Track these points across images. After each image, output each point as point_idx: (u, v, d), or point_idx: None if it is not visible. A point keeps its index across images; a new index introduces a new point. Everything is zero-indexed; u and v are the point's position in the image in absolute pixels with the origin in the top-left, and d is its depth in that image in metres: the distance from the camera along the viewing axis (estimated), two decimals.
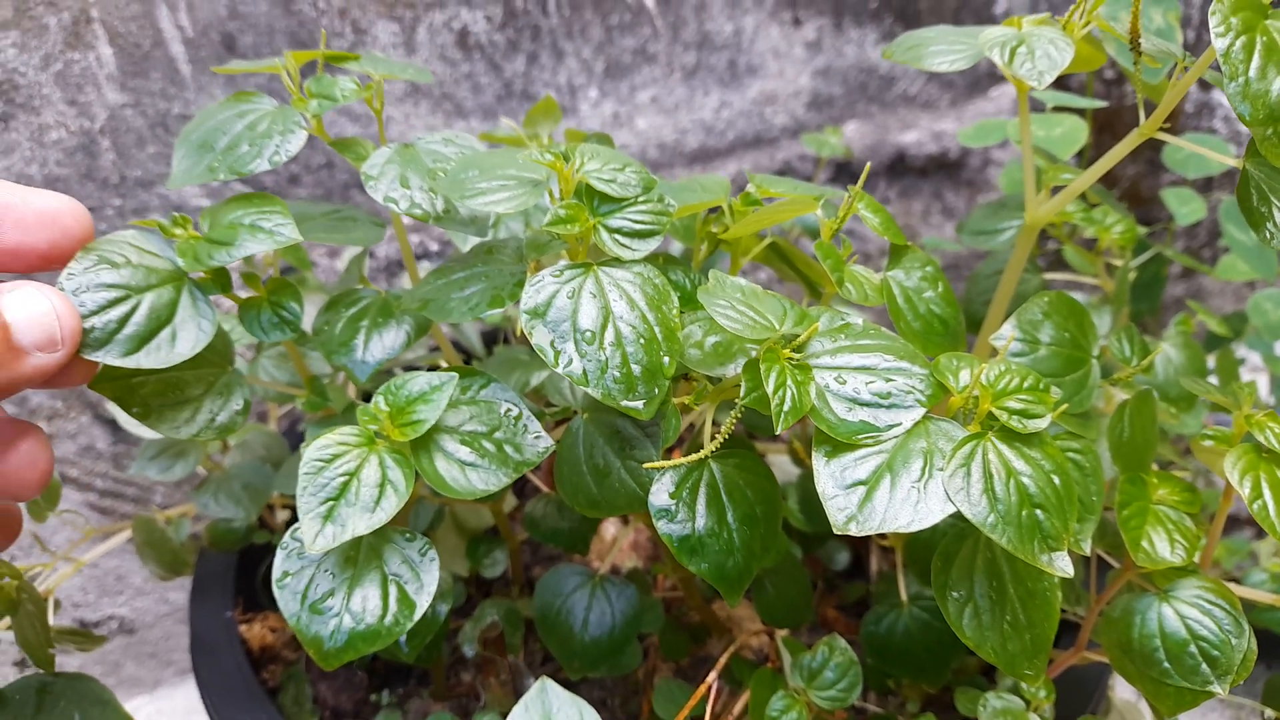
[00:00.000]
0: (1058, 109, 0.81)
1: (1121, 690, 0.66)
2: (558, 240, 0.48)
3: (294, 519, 0.77)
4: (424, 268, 0.98)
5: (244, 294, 0.53)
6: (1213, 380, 0.85)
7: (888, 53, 0.53)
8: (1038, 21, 0.49)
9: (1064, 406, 0.43)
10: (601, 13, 0.95)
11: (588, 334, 0.43)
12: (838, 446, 0.41)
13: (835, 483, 0.41)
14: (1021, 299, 0.56)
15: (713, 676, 0.56)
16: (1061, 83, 1.01)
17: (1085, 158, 0.86)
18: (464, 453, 0.46)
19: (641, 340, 0.43)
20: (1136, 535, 0.48)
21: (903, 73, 1.12)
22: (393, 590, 0.45)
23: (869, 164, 0.51)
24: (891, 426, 0.42)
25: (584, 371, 0.42)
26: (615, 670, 0.65)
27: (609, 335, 0.43)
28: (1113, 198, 0.70)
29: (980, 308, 0.67)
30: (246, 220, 0.48)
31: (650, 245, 0.45)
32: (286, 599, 0.45)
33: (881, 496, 0.40)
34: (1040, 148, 0.74)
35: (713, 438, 0.45)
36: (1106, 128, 1.13)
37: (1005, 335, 0.51)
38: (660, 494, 0.46)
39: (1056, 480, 0.41)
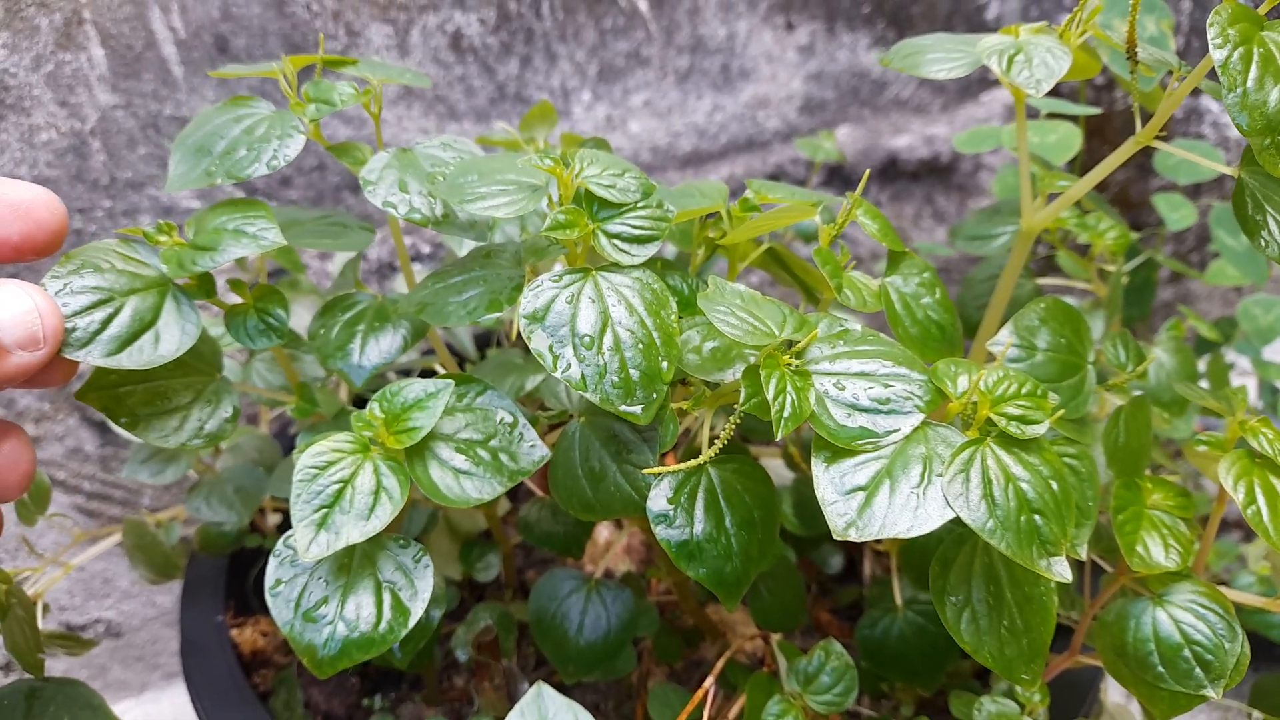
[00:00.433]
0: (1052, 116, 0.81)
1: (1113, 694, 0.66)
2: (556, 245, 0.48)
3: (286, 522, 0.77)
4: (416, 270, 0.97)
5: (232, 300, 0.53)
6: (1204, 385, 0.86)
7: (886, 60, 0.53)
8: (1035, 30, 0.49)
9: (1061, 412, 0.43)
10: (595, 16, 0.95)
11: (586, 339, 0.43)
12: (837, 452, 0.42)
13: (835, 488, 0.41)
14: (1016, 305, 0.56)
15: (710, 681, 0.56)
16: (1054, 89, 1.02)
17: (1078, 164, 0.87)
18: (459, 460, 0.46)
19: (640, 345, 0.43)
20: (1131, 540, 0.48)
21: (894, 77, 1.12)
22: (387, 598, 0.45)
23: (868, 171, 0.51)
24: (890, 432, 0.42)
25: (582, 376, 0.42)
26: (610, 674, 0.64)
27: (608, 340, 0.43)
28: (1106, 203, 0.70)
29: (975, 313, 0.67)
30: (231, 226, 0.48)
31: (649, 251, 0.45)
32: (280, 607, 0.44)
33: (881, 502, 0.40)
34: (1035, 154, 0.74)
35: (710, 443, 0.45)
36: (1096, 133, 1.13)
37: (1002, 341, 0.51)
38: (658, 499, 0.46)
39: (1054, 486, 0.42)
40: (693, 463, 0.45)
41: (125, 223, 0.83)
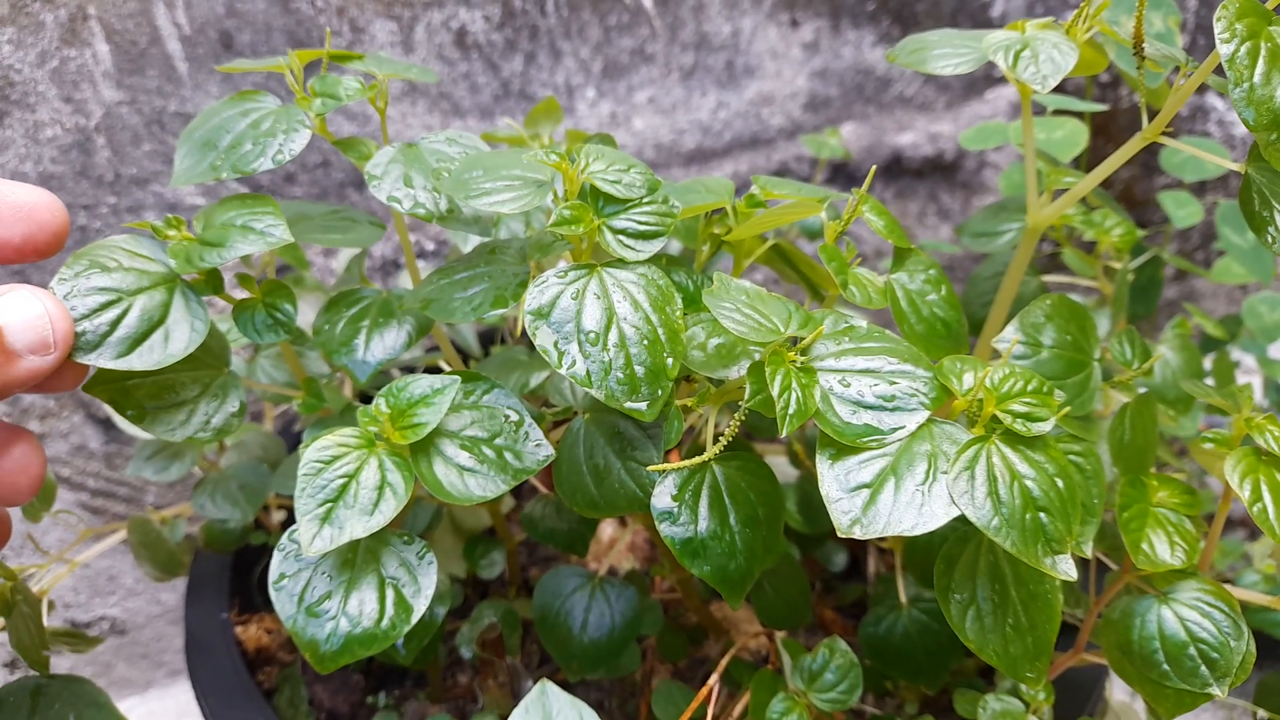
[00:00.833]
0: (1058, 112, 0.81)
1: (1118, 692, 0.66)
2: (562, 241, 0.47)
3: (290, 519, 0.77)
4: (420, 267, 0.97)
5: (240, 295, 0.53)
6: (1209, 383, 0.85)
7: (891, 56, 0.53)
8: (1041, 25, 0.49)
9: (1066, 409, 0.43)
10: (600, 13, 0.95)
11: (591, 335, 0.43)
12: (842, 449, 0.41)
13: (839, 486, 0.41)
14: (1022, 302, 0.56)
15: (714, 679, 0.56)
16: (1059, 86, 1.02)
17: (1083, 161, 0.86)
18: (463, 458, 0.46)
19: (645, 342, 0.43)
20: (1137, 538, 0.48)
21: (899, 74, 1.12)
22: (390, 593, 0.45)
23: (874, 168, 0.51)
24: (895, 429, 0.42)
25: (588, 373, 0.42)
26: (614, 672, 0.64)
27: (613, 336, 0.43)
28: (1112, 200, 0.70)
29: (980, 310, 0.67)
30: (239, 221, 0.48)
31: (655, 247, 0.45)
32: (283, 601, 0.44)
33: (886, 500, 0.40)
34: (1041, 151, 0.74)
35: (715, 440, 0.45)
36: (1101, 130, 1.13)
37: (1008, 338, 0.51)
38: (663, 496, 0.46)
39: (1060, 483, 0.41)
40: (697, 460, 0.45)
41: (130, 219, 0.83)
